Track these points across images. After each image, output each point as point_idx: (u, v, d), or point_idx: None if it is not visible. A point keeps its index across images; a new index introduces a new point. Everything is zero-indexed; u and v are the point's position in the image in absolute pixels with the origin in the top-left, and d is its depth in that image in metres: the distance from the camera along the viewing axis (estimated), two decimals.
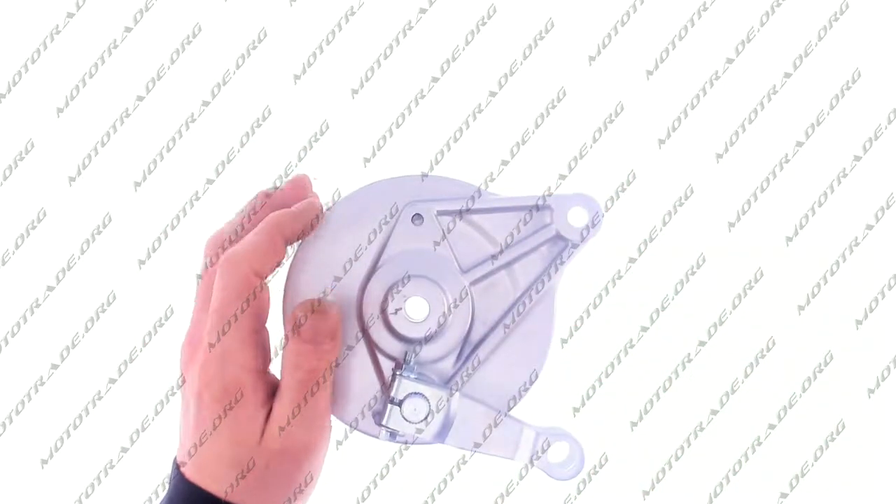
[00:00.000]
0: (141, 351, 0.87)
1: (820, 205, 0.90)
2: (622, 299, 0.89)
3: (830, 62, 0.92)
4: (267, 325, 0.50)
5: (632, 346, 0.91)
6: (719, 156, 0.91)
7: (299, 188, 0.52)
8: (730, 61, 0.91)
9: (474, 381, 0.52)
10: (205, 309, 0.49)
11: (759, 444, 0.93)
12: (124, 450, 0.87)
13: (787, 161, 0.92)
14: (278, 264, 0.49)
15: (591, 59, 0.92)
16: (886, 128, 0.93)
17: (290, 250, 0.51)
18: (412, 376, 0.50)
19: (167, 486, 0.50)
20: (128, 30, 0.92)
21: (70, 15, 0.92)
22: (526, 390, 0.52)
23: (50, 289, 0.93)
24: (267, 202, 0.51)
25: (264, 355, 0.49)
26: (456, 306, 0.51)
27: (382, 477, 0.67)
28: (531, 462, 0.51)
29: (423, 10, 0.91)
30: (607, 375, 0.85)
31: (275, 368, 0.50)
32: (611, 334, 0.90)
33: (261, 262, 0.48)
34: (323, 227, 0.52)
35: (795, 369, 0.94)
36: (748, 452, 0.92)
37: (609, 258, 0.84)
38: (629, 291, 0.87)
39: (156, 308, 0.75)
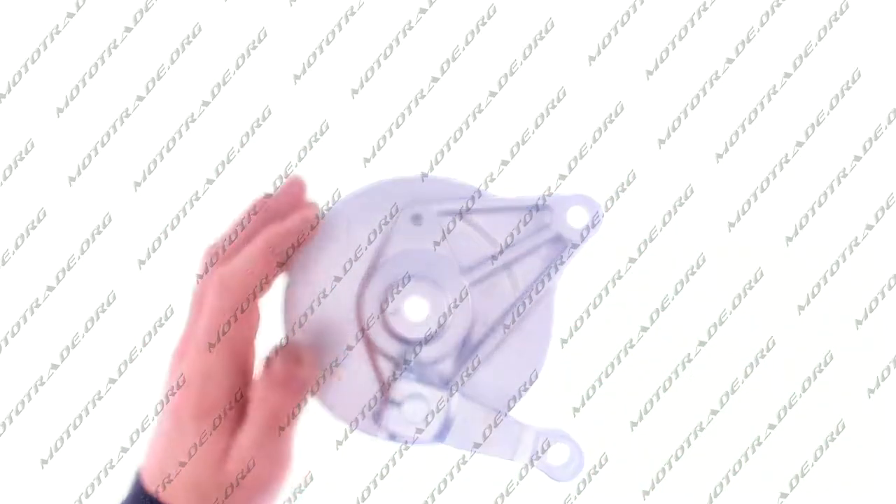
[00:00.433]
0: (141, 351, 0.87)
1: (820, 205, 0.90)
2: (622, 299, 0.89)
3: (830, 62, 0.92)
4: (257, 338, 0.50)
5: (632, 346, 0.91)
6: (719, 156, 0.91)
7: (294, 194, 0.52)
8: (730, 61, 0.91)
9: (474, 382, 0.52)
10: (196, 321, 0.49)
11: (759, 444, 0.93)
12: (124, 450, 0.87)
13: (787, 161, 0.92)
14: (270, 284, 0.49)
15: (591, 59, 0.92)
16: (886, 128, 0.93)
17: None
18: (412, 377, 0.50)
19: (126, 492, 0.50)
20: (128, 30, 0.92)
21: (70, 15, 0.92)
22: (526, 390, 0.52)
23: (50, 289, 0.93)
24: (261, 210, 0.51)
25: (245, 379, 0.49)
26: (456, 307, 0.51)
27: (382, 477, 0.67)
28: (531, 463, 0.51)
29: (423, 10, 0.91)
30: (607, 375, 0.85)
31: None
32: (611, 334, 0.90)
33: (252, 285, 0.48)
34: (322, 228, 0.52)
35: (795, 369, 0.94)
36: (748, 452, 0.92)
37: (609, 258, 0.84)
38: (629, 291, 0.87)
39: (156, 308, 0.75)
